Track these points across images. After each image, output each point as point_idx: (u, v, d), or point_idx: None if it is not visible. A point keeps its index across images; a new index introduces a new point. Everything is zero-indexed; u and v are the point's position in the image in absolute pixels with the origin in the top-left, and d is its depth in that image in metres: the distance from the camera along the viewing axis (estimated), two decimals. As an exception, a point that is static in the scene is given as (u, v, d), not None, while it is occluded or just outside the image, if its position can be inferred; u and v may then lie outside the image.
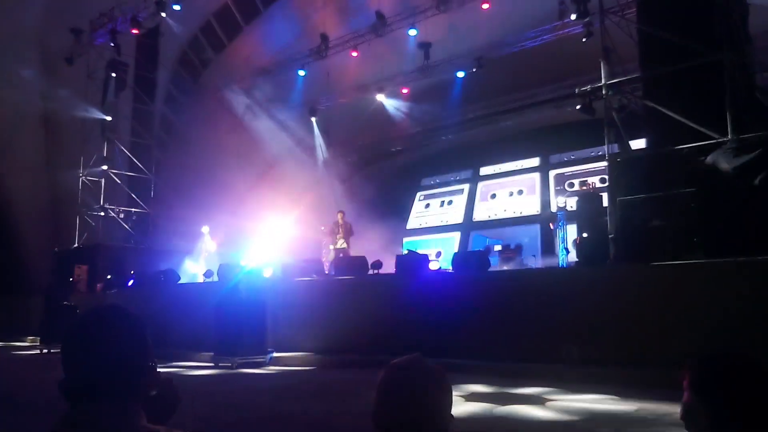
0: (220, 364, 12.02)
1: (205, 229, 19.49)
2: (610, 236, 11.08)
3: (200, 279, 17.32)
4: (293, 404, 8.10)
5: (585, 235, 12.12)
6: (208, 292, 14.77)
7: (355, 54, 20.52)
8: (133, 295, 16.77)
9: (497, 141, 24.38)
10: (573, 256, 15.18)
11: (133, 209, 22.82)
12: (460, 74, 21.15)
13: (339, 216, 17.66)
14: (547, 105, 21.94)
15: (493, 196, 24.71)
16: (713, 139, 10.75)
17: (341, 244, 17.34)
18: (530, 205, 23.25)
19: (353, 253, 16.69)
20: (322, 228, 21.34)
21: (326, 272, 15.15)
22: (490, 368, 9.93)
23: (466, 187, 26.03)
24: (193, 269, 18.85)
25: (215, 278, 15.96)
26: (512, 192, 24.15)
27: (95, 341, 1.48)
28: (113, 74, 21.94)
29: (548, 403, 7.62)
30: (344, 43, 20.45)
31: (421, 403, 1.54)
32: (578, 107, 15.22)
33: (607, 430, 6.16)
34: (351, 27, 20.45)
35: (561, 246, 16.94)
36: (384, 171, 27.77)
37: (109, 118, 21.84)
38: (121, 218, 22.53)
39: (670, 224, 10.13)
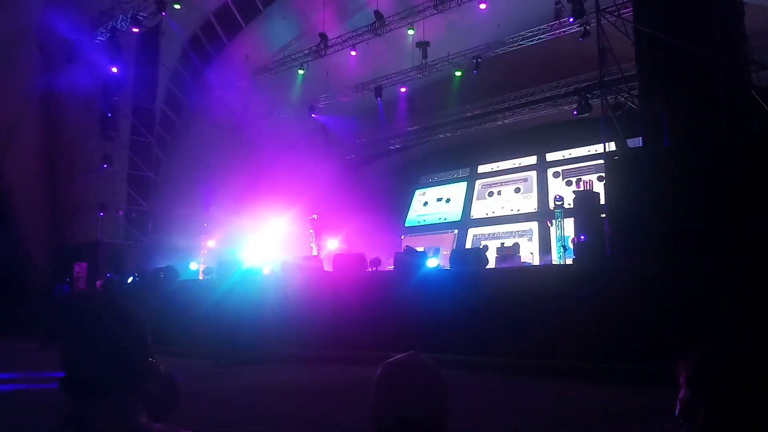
0: (219, 361, 12.09)
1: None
2: (607, 234, 11.17)
3: None
4: (292, 400, 8.15)
5: (582, 237, 12.20)
6: (208, 288, 14.87)
7: (353, 53, 20.60)
8: (133, 292, 16.85)
9: (495, 139, 24.49)
10: (570, 254, 15.29)
11: (133, 207, 22.88)
12: (458, 73, 21.25)
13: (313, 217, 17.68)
14: (544, 103, 22.06)
15: (491, 193, 24.82)
16: (709, 137, 10.86)
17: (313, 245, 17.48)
18: (527, 203, 23.37)
19: (352, 249, 16.79)
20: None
21: (324, 269, 15.22)
22: (489, 364, 10.02)
23: (464, 184, 26.14)
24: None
25: (214, 275, 16.08)
26: (510, 190, 24.26)
27: (95, 338, 1.47)
28: (114, 71, 21.97)
29: (546, 399, 7.71)
30: (343, 42, 20.53)
31: (419, 400, 1.53)
32: (575, 106, 15.37)
33: (604, 426, 6.22)
34: (350, 26, 20.53)
35: (558, 243, 17.07)
36: (382, 169, 27.83)
37: (109, 115, 21.90)
38: (120, 216, 22.58)
39: (666, 222, 10.22)
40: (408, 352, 1.65)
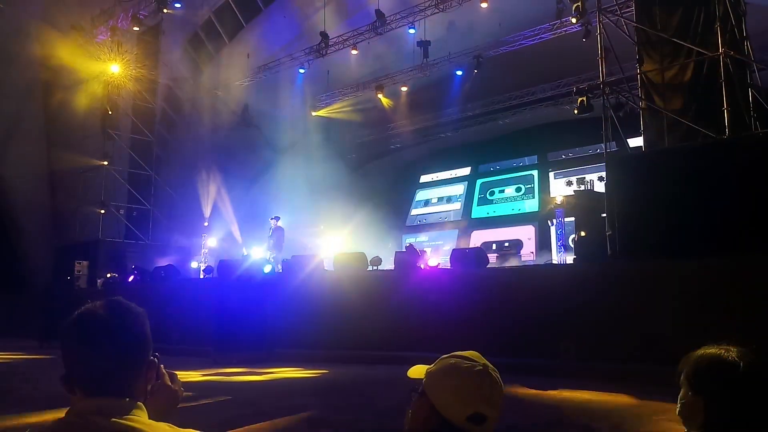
0: (220, 360, 12.08)
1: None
2: (607, 234, 11.16)
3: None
4: (294, 400, 8.15)
5: (583, 233, 12.19)
6: (209, 288, 14.87)
7: (354, 52, 20.59)
8: (134, 291, 16.85)
9: (496, 139, 24.50)
10: (571, 254, 15.27)
11: (133, 206, 22.88)
12: (459, 72, 21.24)
13: (272, 222, 17.42)
14: (546, 103, 22.05)
15: (492, 193, 24.83)
16: (711, 136, 10.86)
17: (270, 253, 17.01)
18: (528, 203, 23.37)
19: (353, 249, 16.74)
20: (321, 227, 21.50)
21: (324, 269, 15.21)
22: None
23: (464, 184, 26.14)
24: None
25: (215, 274, 16.06)
26: (510, 189, 24.26)
27: (97, 336, 1.44)
28: (115, 70, 21.97)
29: (545, 398, 7.71)
30: (344, 41, 20.50)
31: (500, 400, 1.58)
32: (576, 106, 15.35)
33: (603, 425, 6.22)
34: (351, 25, 20.50)
35: (558, 243, 17.06)
36: (383, 168, 27.84)
37: (109, 113, 21.91)
38: (121, 214, 22.60)
39: (667, 222, 10.21)
40: (470, 351, 1.66)
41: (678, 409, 1.79)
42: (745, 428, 1.68)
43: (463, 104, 23.43)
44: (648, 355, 8.80)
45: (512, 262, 17.74)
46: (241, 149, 22.86)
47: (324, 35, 20.32)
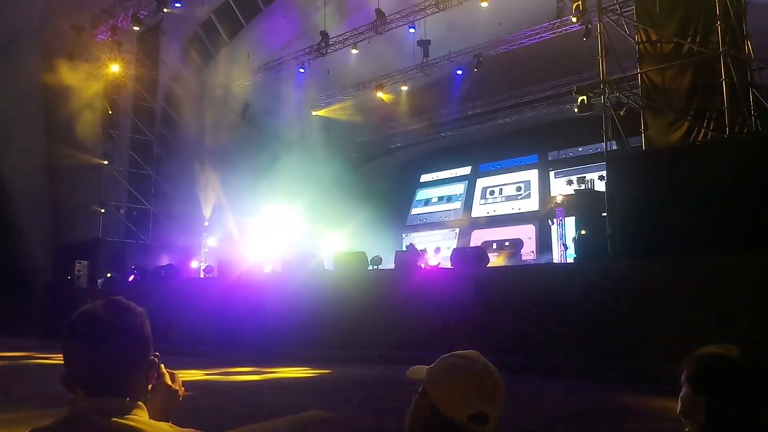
0: (221, 360, 12.07)
1: None
2: (608, 233, 11.16)
3: None
4: (294, 399, 8.15)
5: (583, 232, 12.20)
6: (209, 287, 14.87)
7: (354, 51, 20.58)
8: (134, 290, 16.85)
9: (496, 138, 24.47)
10: (571, 253, 15.28)
11: (133, 205, 22.89)
12: (459, 72, 21.22)
13: None
14: (546, 102, 22.02)
15: (492, 192, 24.82)
16: (711, 136, 10.86)
17: None
18: (529, 202, 23.36)
19: (353, 248, 16.76)
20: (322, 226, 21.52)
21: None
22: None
23: (465, 183, 26.14)
24: None
25: (215, 274, 16.07)
26: (511, 189, 24.25)
27: (97, 336, 1.44)
28: (115, 69, 21.97)
29: (546, 398, 7.71)
30: (344, 41, 20.49)
31: (502, 399, 1.55)
32: (576, 105, 15.33)
33: (604, 425, 6.21)
34: (351, 24, 20.48)
35: (559, 242, 17.06)
36: (384, 167, 27.83)
37: (110, 112, 21.93)
38: (121, 214, 22.60)
39: (667, 221, 10.21)
40: (471, 351, 1.61)
41: (679, 409, 1.79)
42: (746, 427, 1.67)
43: (464, 103, 23.41)
44: (649, 354, 8.79)
45: (512, 261, 17.75)
46: (242, 149, 22.87)
47: (324, 34, 20.30)
